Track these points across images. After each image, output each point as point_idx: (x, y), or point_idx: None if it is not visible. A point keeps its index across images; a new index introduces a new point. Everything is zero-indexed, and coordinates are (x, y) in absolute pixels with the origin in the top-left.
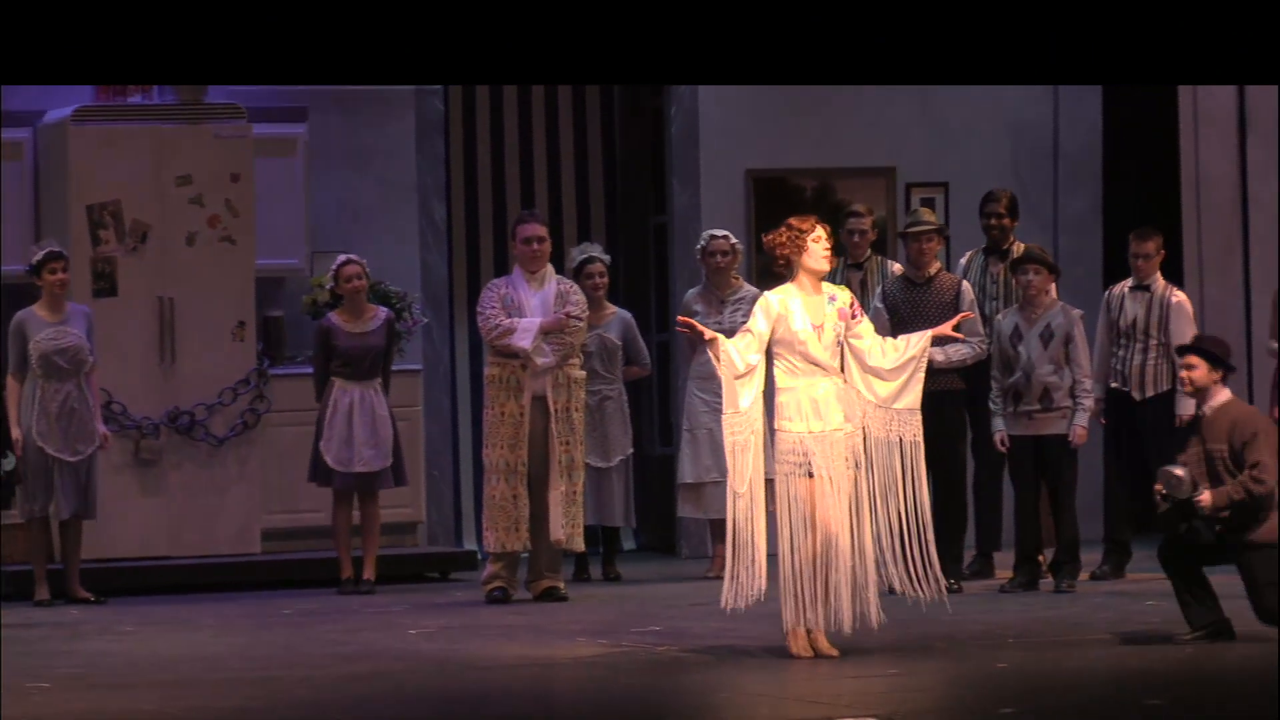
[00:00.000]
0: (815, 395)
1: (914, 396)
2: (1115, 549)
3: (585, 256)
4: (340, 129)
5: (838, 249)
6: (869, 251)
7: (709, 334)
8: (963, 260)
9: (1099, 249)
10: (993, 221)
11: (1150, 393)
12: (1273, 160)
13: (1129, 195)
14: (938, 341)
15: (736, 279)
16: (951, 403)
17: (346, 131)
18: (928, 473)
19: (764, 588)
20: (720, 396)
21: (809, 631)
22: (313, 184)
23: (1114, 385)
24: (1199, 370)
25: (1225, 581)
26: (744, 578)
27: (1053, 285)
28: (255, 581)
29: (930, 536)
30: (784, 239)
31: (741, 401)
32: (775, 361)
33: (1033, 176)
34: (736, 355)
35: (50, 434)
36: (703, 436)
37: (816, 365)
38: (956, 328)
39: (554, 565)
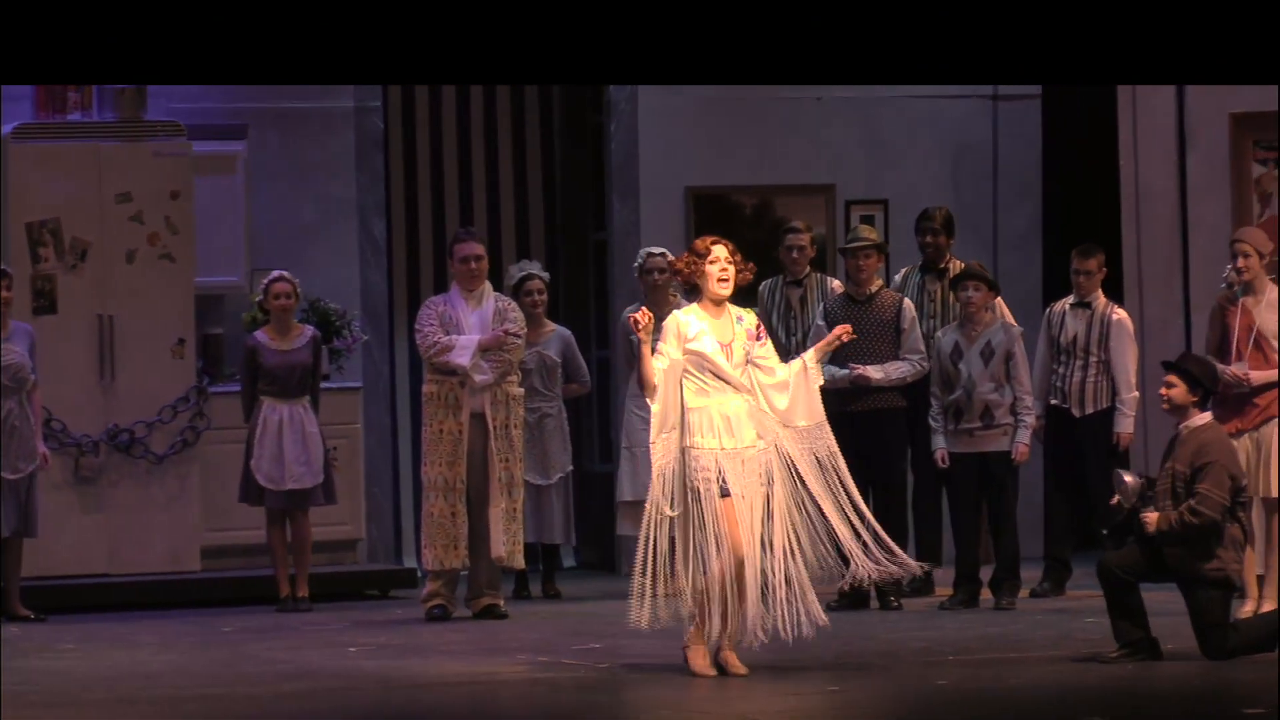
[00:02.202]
0: (727, 413)
1: (808, 410)
2: (1055, 566)
3: (524, 274)
4: (280, 146)
5: (776, 266)
6: (808, 268)
7: (646, 338)
8: (897, 277)
9: (1039, 266)
10: (928, 239)
11: (1090, 410)
12: (1212, 178)
13: (1069, 212)
14: (873, 359)
15: (674, 297)
16: (891, 420)
17: (286, 149)
18: (868, 489)
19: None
20: None
21: (718, 649)
22: (252, 201)
23: (1054, 402)
24: (1177, 389)
25: (1163, 599)
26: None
27: (993, 302)
28: (195, 599)
29: (881, 530)
30: (685, 265)
31: (665, 426)
32: (685, 381)
33: (973, 194)
34: (652, 371)
35: None
36: (642, 454)
37: (727, 383)
38: (896, 345)
39: (494, 583)
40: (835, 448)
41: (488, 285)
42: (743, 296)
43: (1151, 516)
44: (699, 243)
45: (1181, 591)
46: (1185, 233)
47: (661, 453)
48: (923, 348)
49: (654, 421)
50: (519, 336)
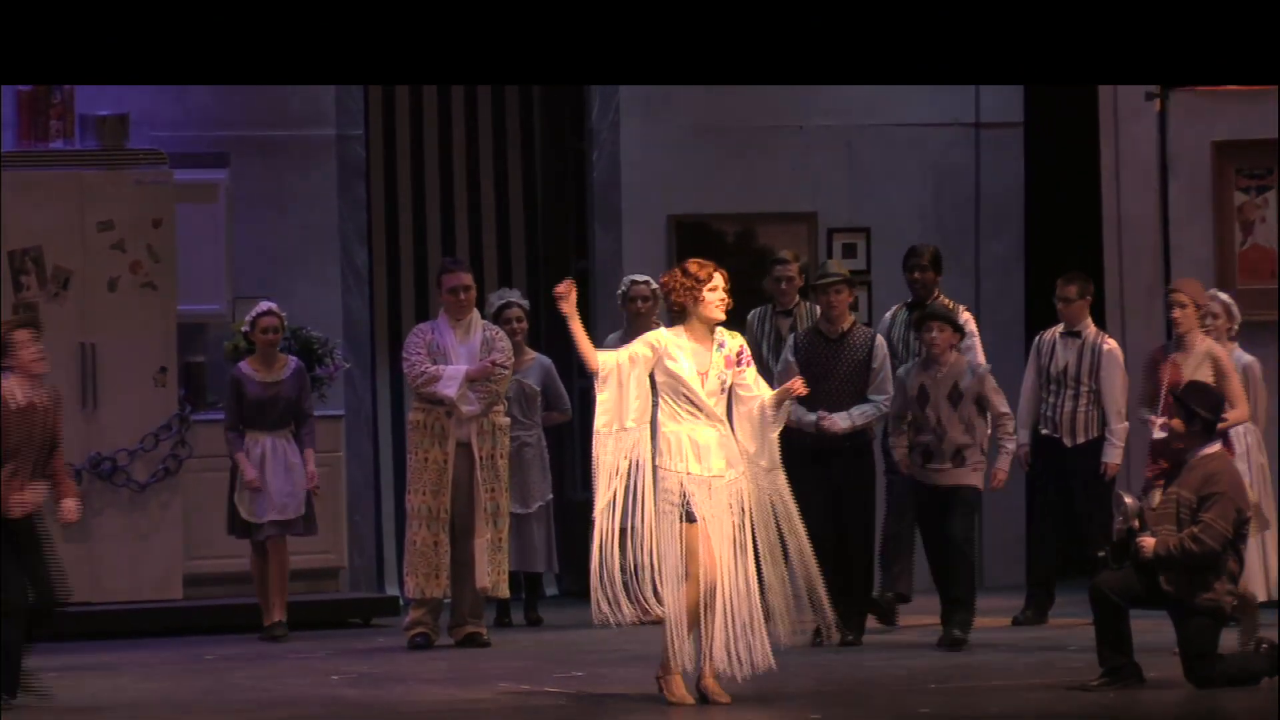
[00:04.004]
0: (697, 439)
1: (769, 455)
2: (1038, 594)
3: (504, 302)
4: (262, 174)
5: (758, 293)
6: (797, 298)
7: (573, 314)
8: (887, 315)
9: (1020, 293)
10: (916, 276)
11: (1081, 439)
12: (1194, 206)
13: (1051, 240)
14: (845, 398)
15: (658, 323)
16: (865, 453)
17: (268, 177)
18: (842, 524)
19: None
20: None
21: (699, 677)
22: (234, 229)
23: (1045, 432)
24: (1177, 419)
25: (1147, 627)
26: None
27: (959, 343)
28: (178, 627)
29: (818, 579)
30: (678, 285)
31: (617, 421)
32: (660, 404)
33: (955, 221)
34: (592, 352)
35: None
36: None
37: (699, 410)
38: (862, 384)
39: (476, 611)
40: (789, 495)
41: (476, 314)
42: (731, 324)
43: (1149, 541)
44: (697, 267)
45: (1172, 618)
46: (1167, 261)
47: (612, 450)
48: (890, 388)
49: (600, 410)
50: (506, 367)
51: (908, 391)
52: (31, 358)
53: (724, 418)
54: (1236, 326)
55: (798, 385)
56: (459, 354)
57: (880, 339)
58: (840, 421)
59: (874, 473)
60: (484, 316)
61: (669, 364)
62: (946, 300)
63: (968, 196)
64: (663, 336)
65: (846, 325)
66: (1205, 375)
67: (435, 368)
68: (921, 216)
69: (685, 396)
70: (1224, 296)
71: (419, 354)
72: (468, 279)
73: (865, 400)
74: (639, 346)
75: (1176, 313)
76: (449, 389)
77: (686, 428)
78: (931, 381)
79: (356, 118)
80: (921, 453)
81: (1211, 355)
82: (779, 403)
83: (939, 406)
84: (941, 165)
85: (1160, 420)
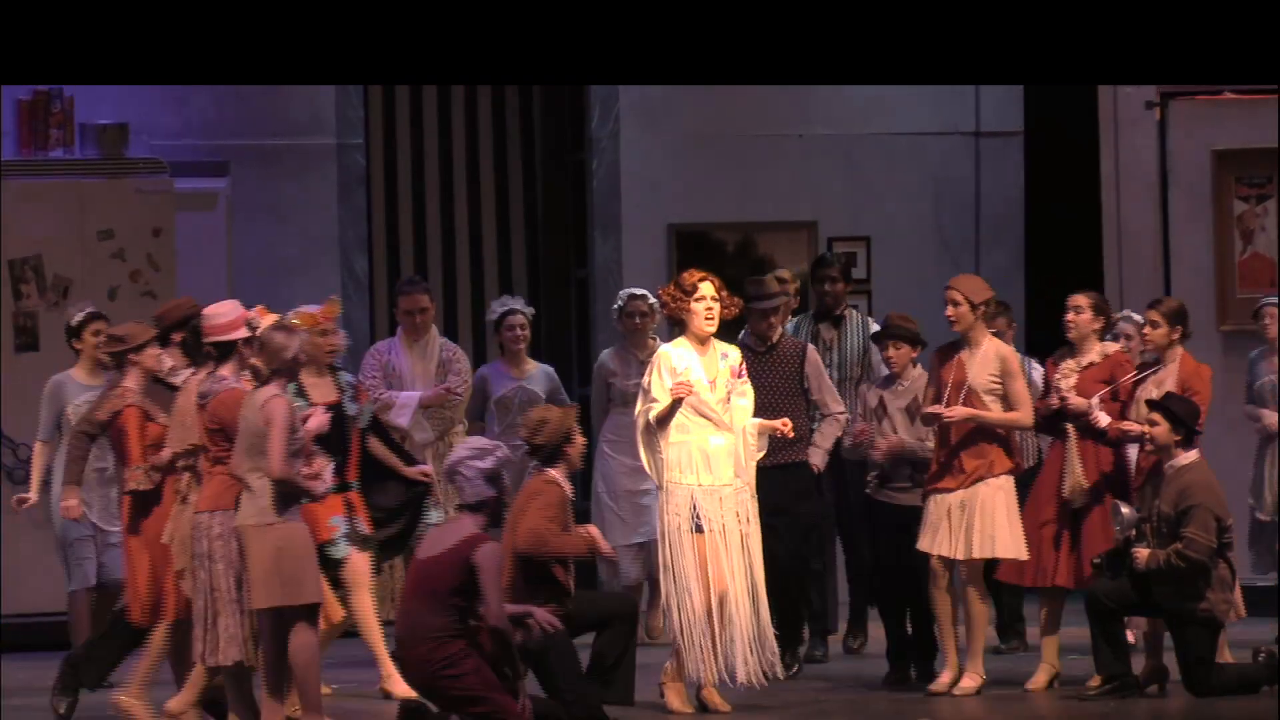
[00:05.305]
0: (706, 449)
1: (746, 473)
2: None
3: (506, 309)
4: (262, 183)
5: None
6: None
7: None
8: (790, 323)
9: (1021, 303)
10: (826, 287)
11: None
12: (1194, 214)
13: (1051, 248)
14: (776, 411)
15: (654, 340)
16: (796, 473)
17: (268, 186)
18: (778, 543)
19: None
20: (635, 459)
21: (700, 686)
22: (234, 238)
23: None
24: (1160, 428)
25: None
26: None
27: (918, 355)
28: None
29: (764, 613)
30: (670, 299)
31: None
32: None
33: (954, 230)
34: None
35: None
36: (622, 496)
37: (708, 419)
38: (800, 394)
39: None
40: (754, 514)
41: (434, 332)
42: (727, 333)
43: (1143, 553)
44: (686, 278)
45: (1169, 627)
46: (1167, 269)
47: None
48: (839, 397)
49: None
50: (460, 394)
51: (867, 407)
52: None
53: (732, 426)
54: (1147, 347)
55: (786, 429)
56: (414, 377)
57: (812, 349)
58: (818, 460)
59: (809, 493)
60: (485, 324)
61: (680, 379)
62: (852, 309)
63: (967, 205)
64: (668, 357)
65: (775, 337)
66: (992, 374)
67: (388, 394)
68: (921, 225)
69: (694, 407)
70: (1136, 317)
71: (373, 377)
72: (424, 300)
73: (817, 421)
74: (667, 381)
75: (950, 310)
76: (402, 418)
77: (696, 437)
78: (892, 395)
79: (356, 126)
80: (878, 476)
81: (999, 355)
82: (761, 432)
83: (895, 420)
84: (941, 174)
85: (936, 409)
